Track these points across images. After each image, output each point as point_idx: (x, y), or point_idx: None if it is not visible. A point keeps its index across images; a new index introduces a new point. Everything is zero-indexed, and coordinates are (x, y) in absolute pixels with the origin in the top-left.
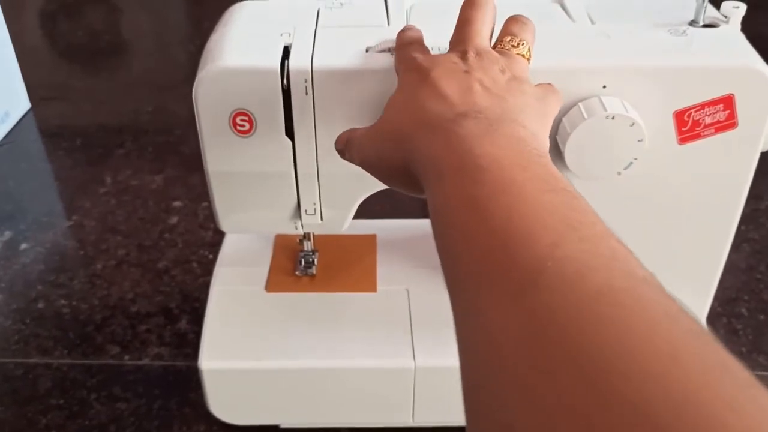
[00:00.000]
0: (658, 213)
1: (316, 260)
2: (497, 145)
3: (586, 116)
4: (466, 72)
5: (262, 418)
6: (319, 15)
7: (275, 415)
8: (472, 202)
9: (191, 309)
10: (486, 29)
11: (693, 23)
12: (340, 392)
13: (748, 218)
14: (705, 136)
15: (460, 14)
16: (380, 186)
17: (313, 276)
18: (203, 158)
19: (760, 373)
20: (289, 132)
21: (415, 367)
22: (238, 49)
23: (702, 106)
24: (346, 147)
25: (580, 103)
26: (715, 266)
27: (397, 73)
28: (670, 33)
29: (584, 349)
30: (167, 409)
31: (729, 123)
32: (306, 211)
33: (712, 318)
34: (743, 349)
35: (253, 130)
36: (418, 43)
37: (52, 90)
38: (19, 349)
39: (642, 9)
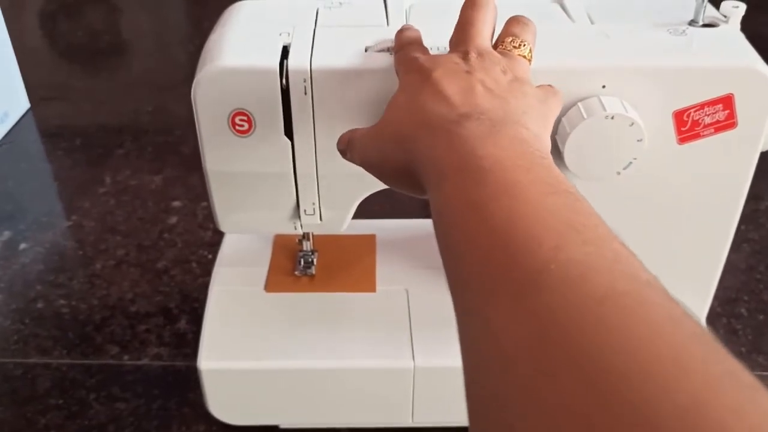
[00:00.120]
0: (657, 213)
1: (315, 260)
2: (500, 146)
3: (585, 116)
4: (468, 73)
5: (262, 418)
6: (318, 15)
7: (274, 416)
8: (474, 203)
9: (190, 309)
10: (487, 30)
11: (692, 23)
12: (339, 392)
13: (747, 218)
14: (704, 136)
15: (460, 15)
16: (380, 186)
17: (312, 276)
18: (202, 158)
19: (759, 373)
20: (288, 132)
21: (414, 367)
22: (237, 49)
23: (701, 105)
24: (348, 147)
25: (579, 103)
26: (715, 266)
27: (397, 73)
28: (670, 33)
29: (586, 351)
30: (166, 409)
31: (728, 123)
32: (305, 211)
33: (711, 318)
34: (743, 350)
35: (252, 130)
36: (418, 44)
37: (51, 90)
38: (19, 349)
39: (641, 9)
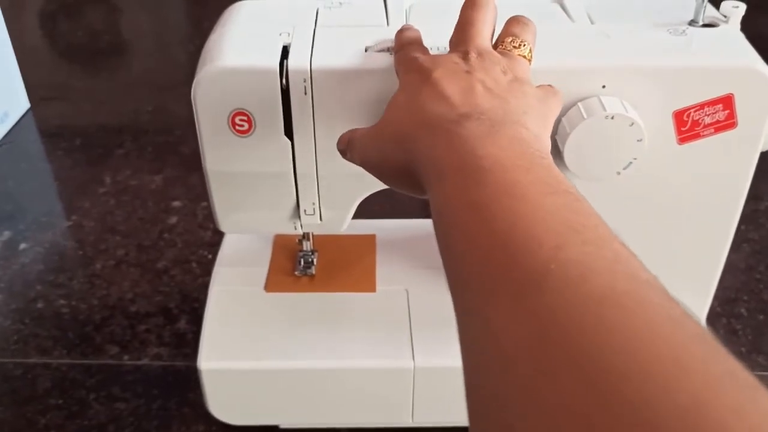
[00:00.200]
0: (657, 213)
1: (315, 260)
2: (499, 146)
3: (585, 116)
4: (468, 73)
5: (261, 418)
6: (318, 15)
7: (274, 416)
8: (474, 203)
9: (190, 309)
10: (487, 30)
11: (692, 23)
12: (339, 392)
13: (747, 218)
14: (704, 136)
15: (460, 15)
16: (379, 186)
17: (312, 276)
18: (202, 158)
19: (759, 373)
20: (288, 132)
21: (414, 367)
22: (237, 49)
23: (701, 105)
24: (348, 147)
25: (579, 103)
26: (715, 266)
27: (397, 73)
28: (670, 33)
29: (586, 351)
30: (166, 409)
31: (728, 123)
32: (305, 211)
33: (711, 318)
34: (743, 350)
35: (252, 130)
36: (418, 44)
37: (51, 90)
38: (18, 349)
39: (641, 9)
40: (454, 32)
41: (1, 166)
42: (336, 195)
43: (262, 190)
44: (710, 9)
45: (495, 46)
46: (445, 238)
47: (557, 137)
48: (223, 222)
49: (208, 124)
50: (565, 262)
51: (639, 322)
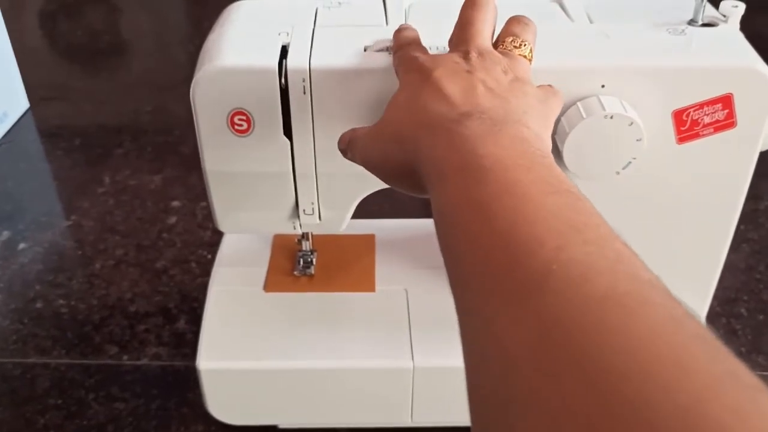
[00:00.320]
0: (656, 213)
1: (314, 260)
2: (501, 145)
3: (584, 115)
4: (469, 72)
5: (261, 418)
6: (317, 14)
7: (273, 416)
8: (475, 202)
9: (190, 309)
10: (487, 29)
11: (692, 23)
12: (338, 392)
13: (747, 218)
14: (704, 135)
15: (461, 14)
16: (379, 186)
17: (311, 276)
18: (201, 158)
19: (759, 373)
20: (287, 131)
21: (413, 367)
22: (236, 48)
23: (701, 105)
24: (349, 147)
25: (578, 103)
26: (714, 266)
27: (396, 73)
28: (669, 32)
29: (587, 352)
30: (165, 409)
31: (728, 122)
32: (304, 210)
33: (711, 318)
34: (742, 350)
35: (251, 130)
36: (417, 43)
37: (51, 90)
38: (18, 348)
39: (641, 8)
40: (454, 32)
41: (1, 166)
42: (335, 195)
43: (261, 190)
44: (709, 9)
45: (495, 46)
46: (446, 237)
47: (556, 137)
48: (222, 222)
49: (207, 123)
50: (567, 262)
51: (640, 322)
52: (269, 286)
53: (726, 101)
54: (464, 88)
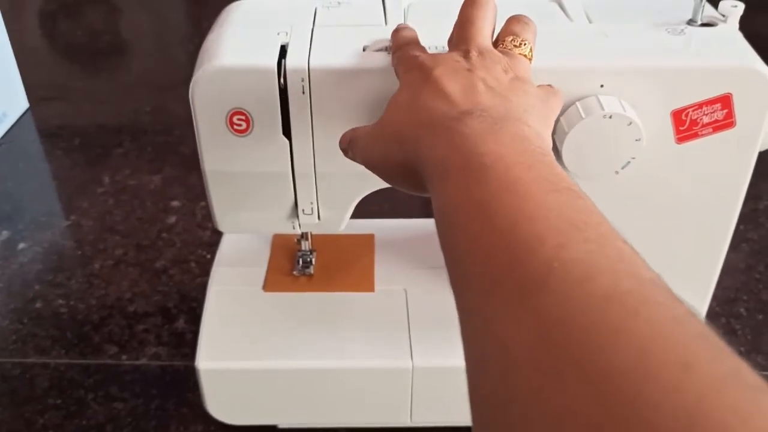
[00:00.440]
0: (656, 213)
1: (313, 260)
2: (501, 143)
3: (583, 115)
4: (469, 71)
5: (260, 418)
6: (316, 14)
7: (273, 416)
8: (476, 201)
9: (189, 309)
10: (488, 28)
11: (691, 22)
12: (337, 392)
13: (746, 218)
14: (703, 135)
15: (460, 13)
16: (378, 185)
17: (310, 276)
18: (200, 158)
19: (759, 373)
20: (286, 131)
21: (413, 367)
22: (235, 48)
23: (700, 105)
24: (349, 146)
25: (577, 102)
26: (714, 266)
27: (396, 73)
28: (668, 32)
29: (588, 351)
30: (165, 409)
31: (727, 122)
32: (303, 210)
33: (710, 318)
34: (742, 349)
35: (250, 130)
36: (416, 43)
37: (51, 90)
38: (17, 348)
39: (640, 8)
40: (454, 31)
41: (1, 166)
42: (334, 194)
43: (261, 190)
44: (709, 8)
45: (495, 45)
46: (446, 236)
47: (555, 136)
48: (222, 222)
49: (206, 123)
50: (568, 260)
51: (642, 321)
52: (268, 285)
53: (725, 101)
54: (464, 86)
